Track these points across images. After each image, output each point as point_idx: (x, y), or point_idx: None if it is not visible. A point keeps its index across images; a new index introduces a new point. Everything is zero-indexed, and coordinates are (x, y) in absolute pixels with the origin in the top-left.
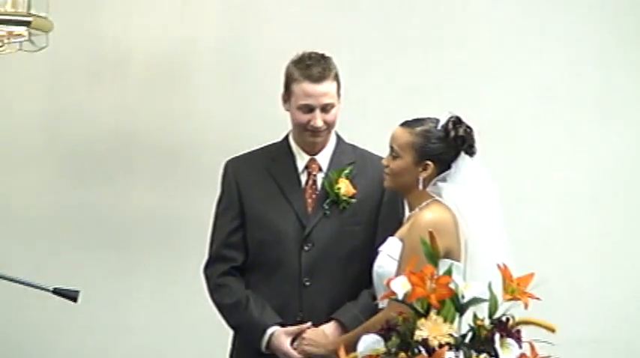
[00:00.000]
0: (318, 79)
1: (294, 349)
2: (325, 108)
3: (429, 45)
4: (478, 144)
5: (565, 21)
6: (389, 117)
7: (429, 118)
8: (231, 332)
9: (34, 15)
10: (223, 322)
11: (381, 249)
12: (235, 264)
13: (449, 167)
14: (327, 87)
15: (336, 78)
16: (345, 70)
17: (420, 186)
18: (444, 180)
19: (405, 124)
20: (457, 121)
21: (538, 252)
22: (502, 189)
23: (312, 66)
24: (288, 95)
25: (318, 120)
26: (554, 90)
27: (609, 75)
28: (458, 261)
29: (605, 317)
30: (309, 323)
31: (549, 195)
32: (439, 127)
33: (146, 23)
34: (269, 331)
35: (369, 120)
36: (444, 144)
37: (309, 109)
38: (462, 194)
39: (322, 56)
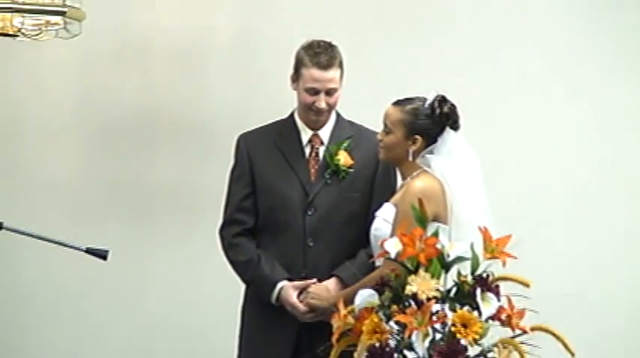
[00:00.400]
0: (325, 67)
1: (300, 302)
2: (329, 92)
3: (419, 33)
4: (462, 120)
5: (540, 11)
6: (383, 97)
7: (417, 97)
8: (242, 286)
9: (69, 6)
10: (236, 277)
11: (377, 213)
12: (247, 226)
13: (435, 141)
14: (333, 73)
15: (341, 65)
16: (345, 54)
17: (410, 158)
18: (431, 152)
19: (397, 103)
20: (442, 100)
21: (514, 214)
22: (483, 158)
23: (320, 54)
24: (297, 77)
25: (322, 102)
26: (529, 72)
27: (577, 60)
28: (445, 224)
29: (574, 273)
30: (314, 280)
31: (524, 163)
32: (426, 105)
33: (168, 13)
34: (279, 285)
35: (365, 99)
36: (431, 121)
37: (315, 92)
38: (447, 164)
39: (330, 44)
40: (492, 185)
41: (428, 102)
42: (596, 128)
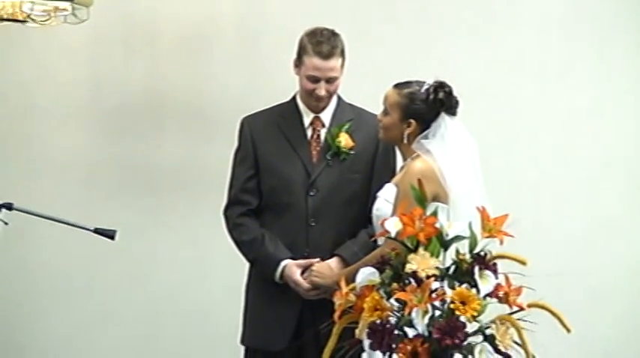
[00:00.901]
0: (327, 56)
1: (304, 280)
2: (329, 80)
3: (417, 20)
4: (460, 102)
5: None
6: (383, 81)
7: (417, 82)
8: (246, 265)
9: None
10: (239, 255)
11: (378, 194)
12: (251, 206)
13: (429, 126)
14: (334, 63)
15: (342, 54)
16: (346, 38)
17: (405, 141)
18: (425, 137)
19: (396, 86)
20: (439, 86)
21: (511, 194)
22: (478, 139)
23: (322, 43)
24: (299, 63)
25: (322, 90)
26: (524, 55)
27: (571, 41)
28: (444, 203)
29: (570, 251)
30: (317, 259)
31: (520, 145)
32: (422, 90)
33: (173, 1)
34: (282, 263)
35: (366, 82)
36: (426, 106)
37: (316, 80)
38: (441, 149)
39: (333, 33)
40: (489, 165)
41: (424, 87)
42: (589, 109)
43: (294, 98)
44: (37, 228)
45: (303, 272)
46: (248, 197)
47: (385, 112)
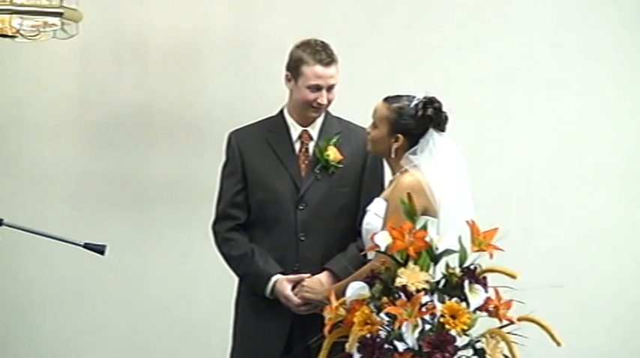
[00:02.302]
0: (328, 64)
1: (295, 295)
2: (329, 88)
3: (405, 31)
4: (448, 115)
5: (520, 7)
6: (371, 93)
7: (407, 96)
8: (236, 279)
9: (66, 7)
10: (229, 271)
11: (369, 208)
12: (240, 221)
13: (417, 142)
14: (334, 70)
15: (337, 63)
16: (336, 51)
17: (392, 155)
18: (414, 153)
19: (386, 99)
20: (428, 102)
21: (500, 207)
22: (467, 151)
23: (320, 51)
24: (295, 76)
25: (324, 98)
26: (512, 67)
27: (560, 53)
28: (434, 217)
29: (560, 264)
30: (307, 274)
31: (509, 155)
32: (412, 106)
33: (163, 13)
34: (273, 278)
35: (354, 94)
36: (414, 121)
37: (318, 88)
38: (429, 165)
39: (325, 43)
40: (478, 177)
41: (414, 102)
42: (579, 120)
43: (281, 112)
44: (27, 243)
45: (294, 288)
46: (237, 212)
47: (374, 125)
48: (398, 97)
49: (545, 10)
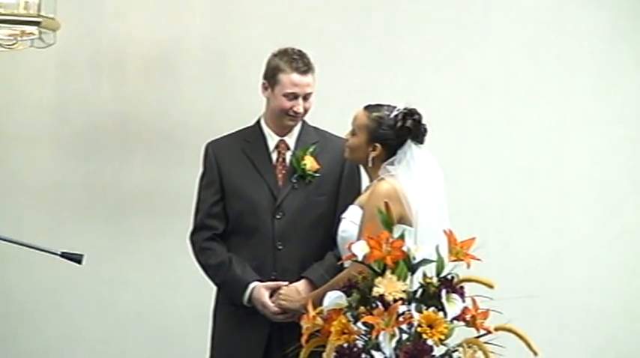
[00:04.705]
0: (304, 72)
1: (272, 303)
2: (306, 97)
3: (383, 41)
4: (427, 128)
5: (498, 18)
6: (348, 104)
7: (388, 106)
8: (214, 288)
9: (44, 16)
10: (206, 280)
11: (344, 216)
12: (217, 231)
13: (395, 152)
14: (310, 78)
15: (314, 72)
16: (312, 60)
17: (370, 164)
18: (391, 163)
19: (366, 108)
20: (408, 113)
21: (477, 217)
22: (444, 161)
23: (297, 60)
24: (271, 84)
25: (300, 107)
26: (489, 78)
27: (538, 64)
28: (410, 225)
29: (537, 274)
30: (286, 282)
31: (486, 165)
32: (391, 116)
33: (140, 23)
34: (251, 286)
35: (331, 105)
36: (392, 132)
37: (294, 97)
38: (405, 175)
39: (302, 52)
40: (456, 188)
41: (393, 113)
42: (557, 131)
43: (258, 122)
44: (4, 252)
45: (271, 295)
46: (214, 222)
47: (353, 133)
48: (378, 106)
49: (523, 21)
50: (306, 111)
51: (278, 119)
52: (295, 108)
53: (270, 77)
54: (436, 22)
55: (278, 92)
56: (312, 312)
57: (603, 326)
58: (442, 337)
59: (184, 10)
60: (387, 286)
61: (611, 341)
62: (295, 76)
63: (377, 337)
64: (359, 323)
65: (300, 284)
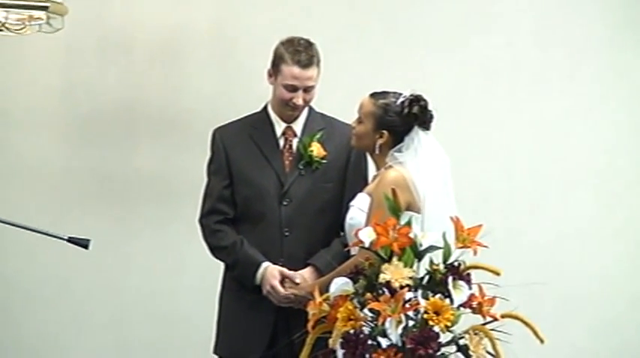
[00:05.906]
0: (306, 65)
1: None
2: (306, 90)
3: (389, 28)
4: (433, 114)
5: (504, 5)
6: (355, 89)
7: (394, 93)
8: (220, 273)
9: (52, 1)
10: (213, 264)
11: (352, 203)
12: (228, 216)
13: (402, 139)
14: (312, 72)
15: (319, 64)
16: (319, 47)
17: (377, 151)
18: (399, 150)
19: (372, 95)
20: (414, 100)
21: (483, 205)
22: (450, 149)
23: (301, 52)
24: (275, 72)
25: (300, 99)
26: (496, 66)
27: (544, 53)
28: (417, 212)
29: (544, 261)
30: (298, 277)
31: (491, 153)
32: (397, 103)
33: (147, 9)
34: (263, 265)
35: (339, 90)
36: (399, 118)
37: (294, 89)
38: (413, 162)
39: (309, 42)
40: (461, 176)
41: (400, 100)
42: (562, 120)
43: (265, 108)
44: (10, 237)
45: (281, 282)
46: (225, 207)
47: (359, 120)
48: (384, 93)
49: (529, 10)
50: (306, 103)
51: (279, 108)
52: (294, 101)
53: (275, 66)
54: (442, 8)
55: (279, 82)
56: (318, 299)
57: (608, 314)
58: (448, 324)
59: None
60: (394, 273)
61: (615, 328)
62: (296, 69)
63: (383, 323)
64: (365, 310)
65: (307, 271)
